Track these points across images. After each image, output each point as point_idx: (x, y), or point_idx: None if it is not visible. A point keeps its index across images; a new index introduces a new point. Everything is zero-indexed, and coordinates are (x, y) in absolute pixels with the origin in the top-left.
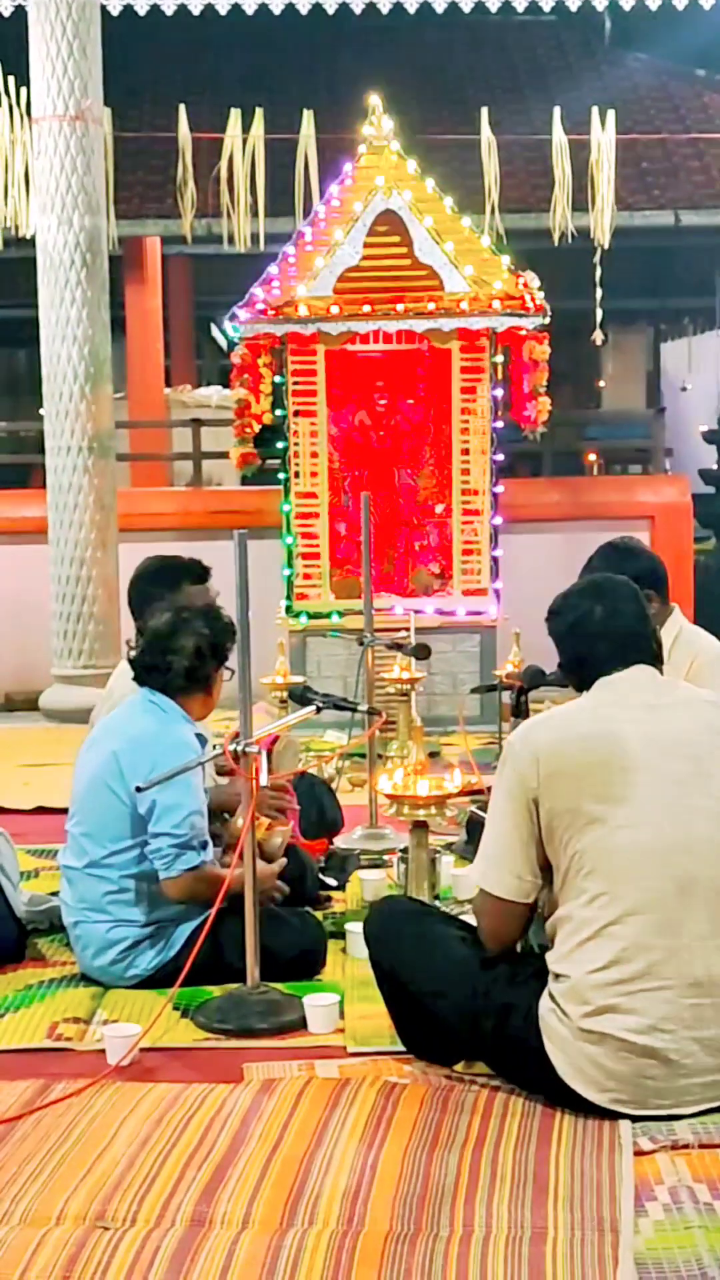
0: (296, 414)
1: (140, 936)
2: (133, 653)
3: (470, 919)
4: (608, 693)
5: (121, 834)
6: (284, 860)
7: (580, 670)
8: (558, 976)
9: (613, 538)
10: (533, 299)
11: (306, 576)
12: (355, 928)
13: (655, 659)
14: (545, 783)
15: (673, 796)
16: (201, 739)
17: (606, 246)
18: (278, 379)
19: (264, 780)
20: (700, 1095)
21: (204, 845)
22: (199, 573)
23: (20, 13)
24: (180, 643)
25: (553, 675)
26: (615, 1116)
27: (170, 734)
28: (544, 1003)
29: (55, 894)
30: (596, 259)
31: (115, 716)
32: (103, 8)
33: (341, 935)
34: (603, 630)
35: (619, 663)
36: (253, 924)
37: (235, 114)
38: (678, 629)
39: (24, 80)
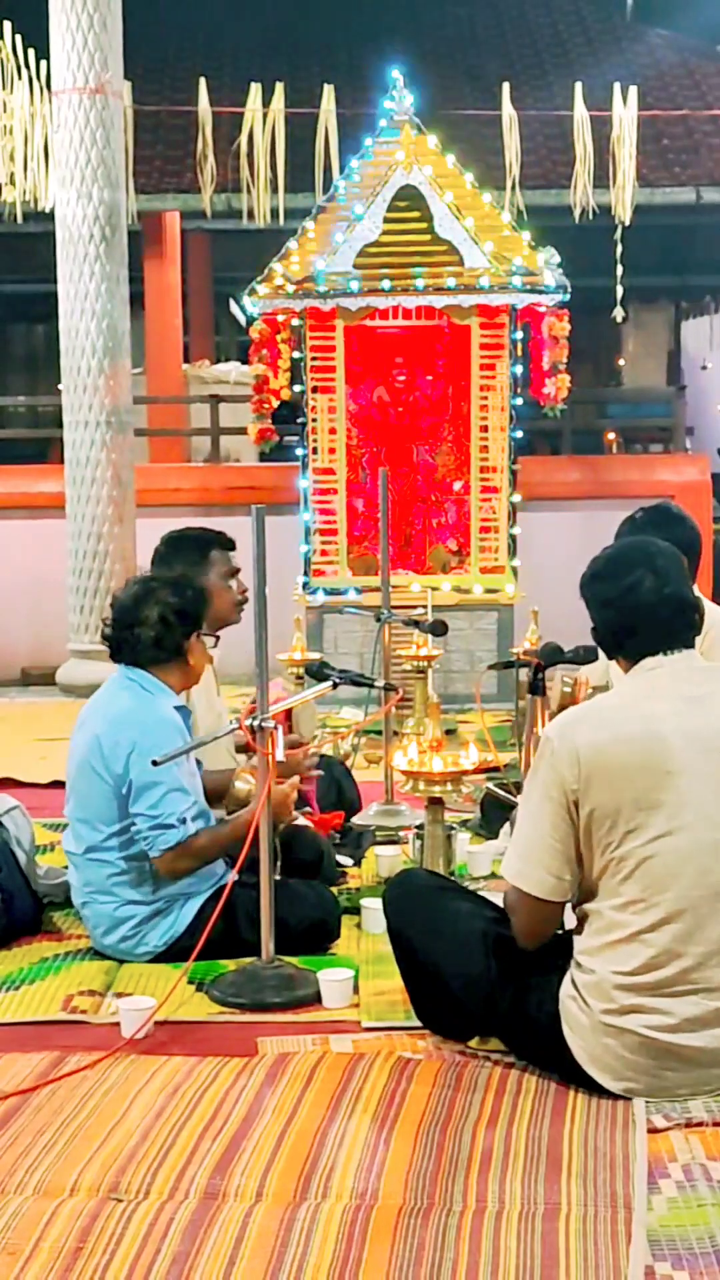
0: (315, 390)
1: (148, 913)
2: (106, 629)
3: (489, 895)
4: (648, 684)
5: (112, 817)
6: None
7: (623, 644)
8: (581, 966)
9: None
10: (552, 275)
11: (324, 553)
12: (371, 903)
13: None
14: (585, 785)
15: (711, 800)
16: (183, 711)
17: (627, 223)
18: (296, 355)
19: (280, 756)
20: (719, 1084)
21: (184, 820)
22: (225, 543)
23: None
24: (144, 613)
25: (570, 653)
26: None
27: (147, 712)
28: (565, 989)
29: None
30: (617, 236)
31: (96, 698)
32: None
33: (357, 911)
34: (656, 602)
35: (667, 643)
36: (267, 898)
37: (255, 88)
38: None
39: (44, 53)
